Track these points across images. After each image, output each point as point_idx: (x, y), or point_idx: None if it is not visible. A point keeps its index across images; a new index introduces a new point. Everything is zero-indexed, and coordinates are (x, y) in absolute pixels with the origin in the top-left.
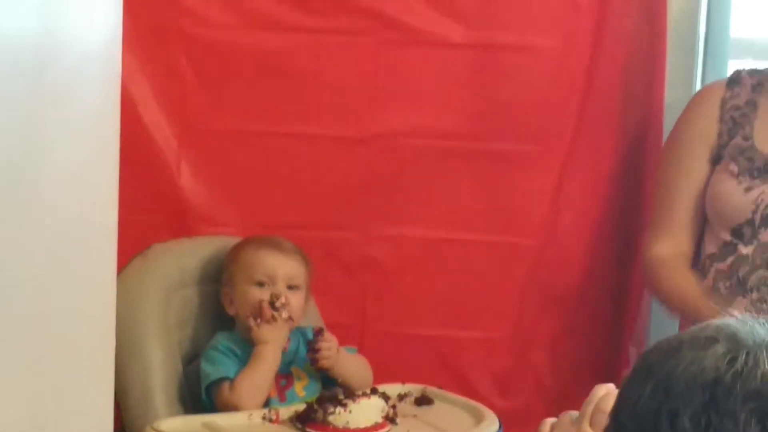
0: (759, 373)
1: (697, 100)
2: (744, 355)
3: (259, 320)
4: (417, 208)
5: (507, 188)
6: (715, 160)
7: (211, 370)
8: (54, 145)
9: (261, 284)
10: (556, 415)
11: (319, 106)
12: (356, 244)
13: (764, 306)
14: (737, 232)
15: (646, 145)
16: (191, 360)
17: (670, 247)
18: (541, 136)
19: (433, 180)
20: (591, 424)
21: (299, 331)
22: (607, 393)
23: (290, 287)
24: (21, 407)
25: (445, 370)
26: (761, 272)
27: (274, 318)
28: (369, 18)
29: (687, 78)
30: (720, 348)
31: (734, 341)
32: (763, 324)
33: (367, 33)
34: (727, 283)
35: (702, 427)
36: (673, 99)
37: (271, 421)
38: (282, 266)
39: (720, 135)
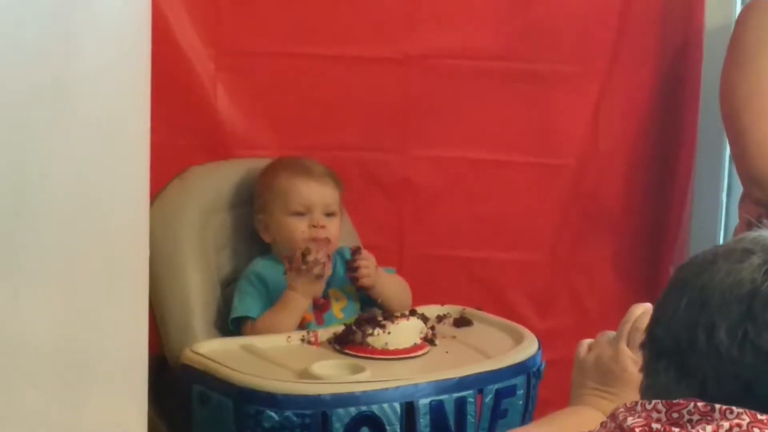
0: None
1: (758, 10)
2: None
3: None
4: (454, 129)
5: (545, 109)
6: None
7: (238, 303)
8: (81, 51)
9: (298, 214)
10: (594, 336)
11: (355, 27)
12: (394, 165)
13: None
14: None
15: (686, 66)
16: (229, 283)
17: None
18: (579, 56)
19: (470, 101)
20: (628, 343)
21: (337, 253)
22: (644, 312)
23: (327, 214)
24: (55, 332)
25: (484, 292)
26: None
27: (304, 270)
28: None
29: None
30: (756, 259)
31: None
32: None
33: None
34: None
35: (739, 339)
36: (712, 19)
37: (309, 343)
38: (317, 194)
39: None
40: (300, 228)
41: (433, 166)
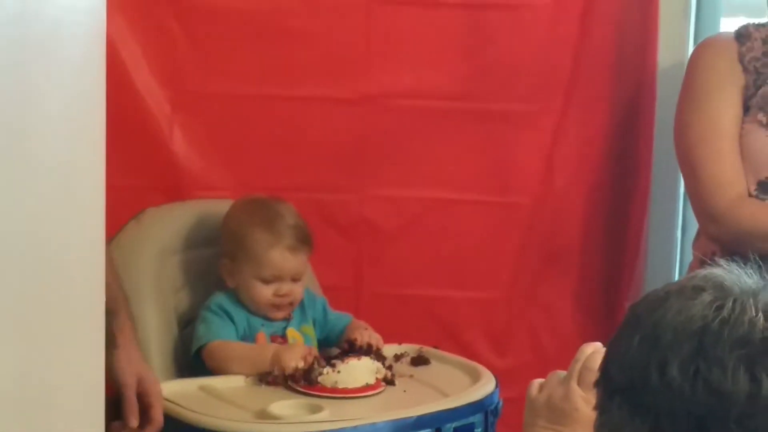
0: (746, 319)
1: (710, 51)
2: (731, 303)
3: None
4: (411, 169)
5: (501, 148)
6: (745, 109)
7: (204, 332)
8: (38, 98)
9: (266, 281)
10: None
11: (312, 68)
12: (351, 205)
13: None
14: (763, 186)
15: (640, 104)
16: (187, 324)
17: (734, 192)
18: (535, 95)
19: (427, 141)
20: (579, 382)
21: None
22: (594, 351)
23: (294, 280)
24: (11, 373)
25: (441, 331)
26: None
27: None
28: None
29: (680, 37)
30: (707, 296)
31: (721, 289)
32: (750, 273)
33: None
34: None
35: (691, 376)
36: (665, 59)
37: (267, 383)
38: (290, 264)
39: (747, 86)
40: (265, 295)
41: (389, 205)
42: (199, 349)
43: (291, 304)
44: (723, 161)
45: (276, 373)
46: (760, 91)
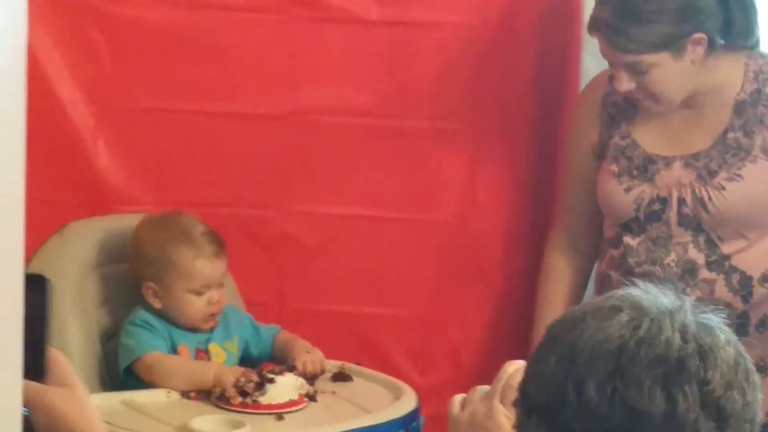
0: (663, 339)
1: (582, 94)
2: (648, 322)
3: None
4: (333, 185)
5: (422, 166)
6: (600, 156)
7: (135, 344)
8: None
9: (197, 292)
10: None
11: (235, 84)
12: (273, 221)
13: None
14: (625, 227)
15: (561, 124)
16: (110, 338)
17: (565, 239)
18: (456, 113)
19: (348, 157)
20: (501, 400)
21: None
22: (517, 369)
23: (220, 285)
24: None
25: (363, 347)
26: (646, 266)
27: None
28: None
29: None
30: (624, 316)
31: (638, 309)
32: (666, 293)
33: (281, 10)
34: (618, 272)
35: (608, 395)
36: (588, 79)
37: (189, 398)
38: (217, 271)
39: (600, 132)
40: (199, 306)
41: (311, 221)
42: (131, 363)
43: (219, 311)
44: (568, 209)
45: (217, 391)
46: (613, 141)
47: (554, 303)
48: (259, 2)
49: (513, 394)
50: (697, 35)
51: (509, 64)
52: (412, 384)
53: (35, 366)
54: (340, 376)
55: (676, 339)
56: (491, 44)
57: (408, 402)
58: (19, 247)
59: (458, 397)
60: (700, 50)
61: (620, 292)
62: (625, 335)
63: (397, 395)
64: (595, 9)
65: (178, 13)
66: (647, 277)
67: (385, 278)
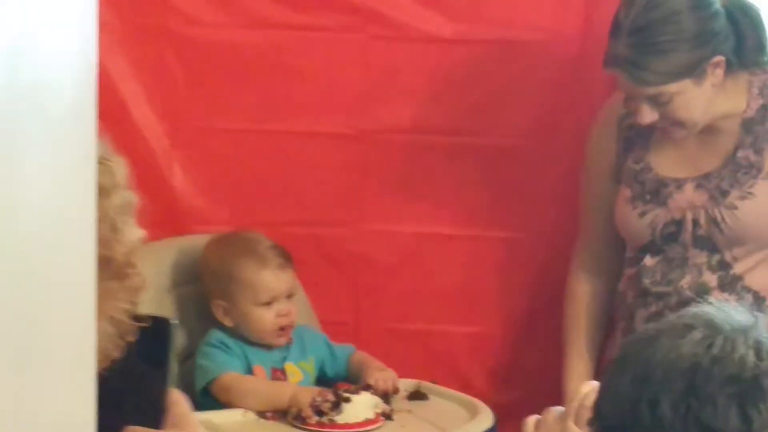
0: (736, 357)
1: (598, 116)
2: (721, 340)
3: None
4: (408, 203)
5: (497, 183)
6: (618, 180)
7: (211, 366)
8: (29, 144)
9: (265, 304)
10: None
11: (309, 103)
12: (348, 240)
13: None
14: (643, 249)
15: None
16: (186, 359)
17: (588, 261)
18: (531, 130)
19: (423, 175)
20: (575, 421)
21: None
22: (591, 389)
23: (288, 297)
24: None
25: (439, 366)
26: (661, 287)
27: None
28: (357, 14)
29: None
30: (697, 334)
31: (711, 327)
32: (739, 310)
33: (356, 29)
34: (632, 292)
35: (682, 414)
36: None
37: (265, 418)
38: (283, 283)
39: (618, 155)
40: (268, 319)
41: (387, 240)
42: (208, 383)
43: (291, 324)
44: (589, 232)
45: (293, 411)
46: (627, 165)
47: (578, 325)
48: (333, 22)
49: (587, 415)
50: (717, 58)
51: (583, 83)
52: (488, 402)
53: (156, 406)
54: (416, 395)
55: (750, 357)
56: (566, 63)
57: (484, 420)
58: (91, 269)
59: (532, 419)
60: (720, 72)
61: (694, 309)
62: (699, 353)
63: (473, 414)
64: (612, 45)
65: (252, 33)
66: (661, 298)
67: (461, 296)
